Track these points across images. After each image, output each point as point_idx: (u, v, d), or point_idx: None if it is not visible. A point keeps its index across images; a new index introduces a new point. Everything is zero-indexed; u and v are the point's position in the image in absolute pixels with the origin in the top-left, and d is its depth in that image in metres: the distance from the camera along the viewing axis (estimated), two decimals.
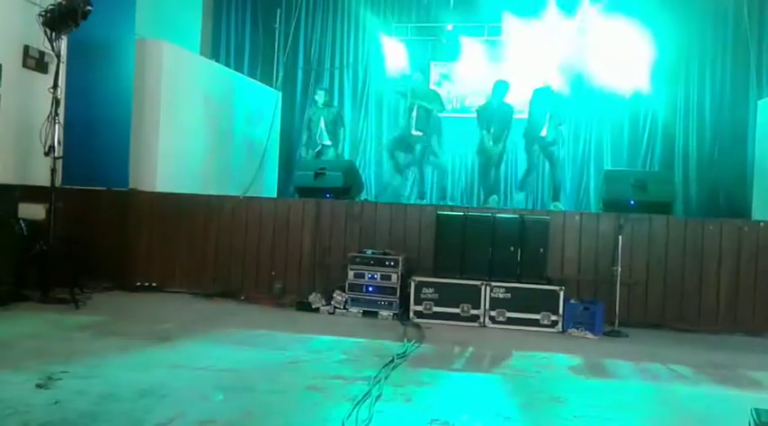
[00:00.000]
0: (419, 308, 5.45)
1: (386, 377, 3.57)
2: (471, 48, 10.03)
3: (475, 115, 8.40)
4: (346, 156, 9.69)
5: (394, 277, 5.61)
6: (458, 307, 5.39)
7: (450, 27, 10.06)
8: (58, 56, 5.59)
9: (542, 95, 8.01)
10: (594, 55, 9.61)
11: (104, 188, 6.61)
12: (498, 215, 5.78)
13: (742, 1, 8.38)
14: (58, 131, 5.53)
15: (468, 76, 10.16)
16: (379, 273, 5.63)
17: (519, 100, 9.76)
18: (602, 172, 7.45)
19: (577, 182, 9.92)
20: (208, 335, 4.63)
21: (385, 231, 6.17)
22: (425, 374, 3.74)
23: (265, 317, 5.43)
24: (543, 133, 7.87)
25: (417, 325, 5.23)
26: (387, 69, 10.37)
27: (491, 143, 7.90)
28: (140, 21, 6.95)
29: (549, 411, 3.18)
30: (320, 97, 8.89)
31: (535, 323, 5.27)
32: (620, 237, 5.39)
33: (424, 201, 8.42)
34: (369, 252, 5.79)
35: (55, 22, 5.46)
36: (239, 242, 6.39)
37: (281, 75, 9.81)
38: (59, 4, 5.43)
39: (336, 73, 10.78)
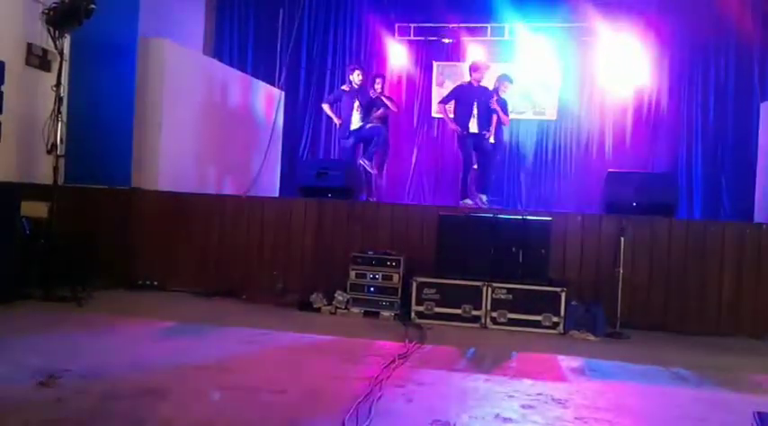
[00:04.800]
0: (420, 309, 5.45)
1: (387, 377, 3.56)
2: (474, 48, 10.04)
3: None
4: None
5: (395, 277, 5.61)
6: (459, 308, 5.39)
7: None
8: (61, 54, 5.60)
9: (464, 91, 7.73)
10: (599, 57, 9.62)
11: (106, 186, 6.61)
12: (500, 216, 5.77)
13: (746, 3, 8.38)
14: (60, 129, 5.54)
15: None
16: (380, 273, 5.63)
17: (519, 100, 9.79)
18: (605, 173, 7.42)
19: (579, 183, 9.92)
20: (209, 334, 4.63)
21: (386, 231, 6.16)
22: (426, 374, 3.74)
23: (267, 317, 5.43)
24: (472, 129, 7.61)
25: (419, 326, 5.23)
26: (389, 69, 10.39)
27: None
28: (143, 19, 6.94)
29: (550, 412, 3.18)
30: (357, 76, 7.97)
31: (536, 324, 5.26)
32: (622, 239, 5.38)
33: None
34: (370, 252, 5.79)
35: (58, 20, 5.47)
36: (241, 241, 6.40)
37: (283, 74, 9.81)
38: (63, 2, 5.44)
39: (339, 72, 10.78)
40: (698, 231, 5.64)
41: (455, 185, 9.61)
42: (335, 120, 8.25)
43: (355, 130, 7.95)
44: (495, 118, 7.76)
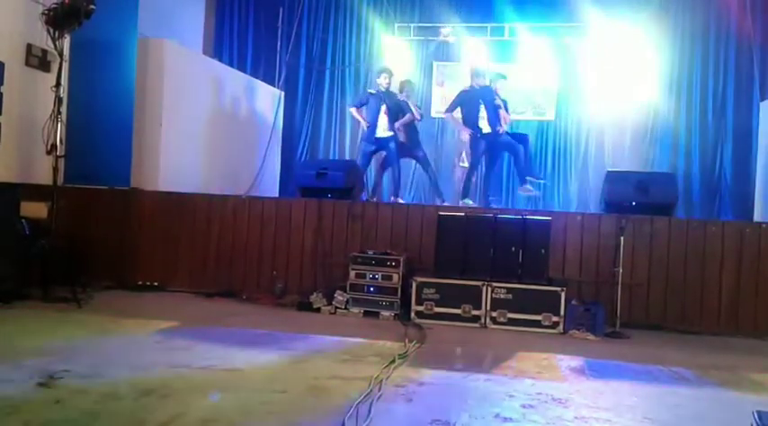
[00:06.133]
0: (420, 309, 5.45)
1: (387, 377, 3.57)
2: (474, 48, 10.04)
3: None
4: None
5: (395, 277, 5.61)
6: (459, 308, 5.39)
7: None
8: (61, 54, 5.59)
9: (468, 96, 7.74)
10: (598, 57, 9.62)
11: (106, 187, 6.62)
12: (500, 215, 5.78)
13: (745, 2, 8.37)
14: (60, 130, 5.54)
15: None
16: (380, 273, 5.63)
17: (519, 100, 9.77)
18: (604, 172, 7.43)
19: (578, 183, 9.92)
20: (209, 334, 4.63)
21: (386, 231, 6.17)
22: (426, 374, 3.74)
23: (266, 317, 5.43)
24: (485, 129, 7.62)
25: (418, 326, 5.23)
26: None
27: None
28: (143, 19, 6.95)
29: (550, 412, 3.18)
30: (384, 79, 8.00)
31: (536, 324, 5.27)
32: (621, 238, 5.38)
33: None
34: (370, 252, 5.79)
35: (58, 20, 5.46)
36: (241, 241, 6.40)
37: (283, 74, 9.82)
38: (62, 2, 5.43)
39: (338, 72, 10.79)
40: (697, 230, 5.64)
41: (455, 185, 9.64)
42: (363, 123, 8.16)
43: (382, 139, 7.90)
44: (502, 113, 7.77)
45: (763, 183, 7.73)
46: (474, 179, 7.86)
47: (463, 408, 3.16)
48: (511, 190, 10.07)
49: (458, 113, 7.82)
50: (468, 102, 7.70)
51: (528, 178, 7.68)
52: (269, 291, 6.21)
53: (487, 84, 7.81)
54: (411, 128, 8.19)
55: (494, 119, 7.62)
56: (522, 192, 7.55)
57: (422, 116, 8.53)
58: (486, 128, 7.66)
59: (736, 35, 9.23)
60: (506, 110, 7.96)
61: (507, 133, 7.79)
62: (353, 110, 8.33)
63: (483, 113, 7.65)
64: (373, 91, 8.12)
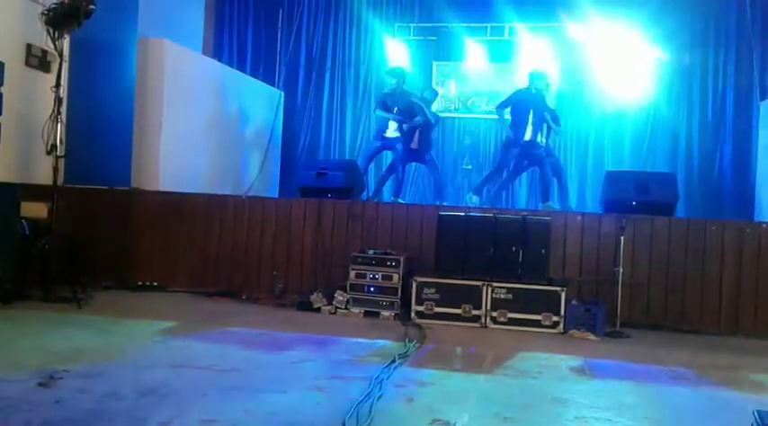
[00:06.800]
0: (420, 308, 5.45)
1: (387, 377, 3.57)
2: (474, 48, 10.04)
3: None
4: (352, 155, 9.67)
5: (395, 277, 5.61)
6: (459, 308, 5.39)
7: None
8: (61, 54, 5.58)
9: (522, 97, 7.64)
10: (597, 56, 9.61)
11: (106, 187, 6.62)
12: (500, 215, 5.77)
13: (745, 2, 8.37)
14: (60, 130, 5.53)
15: (470, 76, 10.17)
16: (380, 273, 5.63)
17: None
18: (604, 172, 7.43)
19: (578, 183, 9.92)
20: (209, 334, 4.63)
21: (386, 231, 6.17)
22: (426, 374, 3.74)
23: (266, 317, 5.43)
24: (527, 136, 7.52)
25: (419, 326, 5.23)
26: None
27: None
28: (143, 20, 6.95)
29: (550, 412, 3.18)
30: (395, 77, 8.01)
31: (536, 323, 5.26)
32: (621, 238, 5.38)
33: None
34: (370, 252, 5.79)
35: (58, 20, 5.45)
36: (241, 241, 6.40)
37: (282, 74, 9.82)
38: (62, 2, 5.42)
39: (338, 72, 10.79)
40: (698, 230, 5.64)
41: (456, 184, 9.64)
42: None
43: (389, 139, 7.86)
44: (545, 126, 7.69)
45: (764, 183, 7.73)
46: (492, 184, 7.76)
47: (463, 408, 3.16)
48: (511, 190, 10.06)
49: (507, 112, 7.71)
50: (520, 104, 7.57)
51: (549, 203, 7.54)
52: (269, 291, 6.21)
53: (542, 89, 7.62)
54: (424, 134, 8.15)
55: (536, 128, 7.52)
56: (543, 208, 7.42)
57: (436, 122, 8.48)
58: (528, 134, 7.51)
59: (737, 34, 9.22)
60: (555, 121, 7.79)
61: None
62: (379, 112, 8.32)
63: (531, 118, 7.51)
64: (388, 91, 8.10)
